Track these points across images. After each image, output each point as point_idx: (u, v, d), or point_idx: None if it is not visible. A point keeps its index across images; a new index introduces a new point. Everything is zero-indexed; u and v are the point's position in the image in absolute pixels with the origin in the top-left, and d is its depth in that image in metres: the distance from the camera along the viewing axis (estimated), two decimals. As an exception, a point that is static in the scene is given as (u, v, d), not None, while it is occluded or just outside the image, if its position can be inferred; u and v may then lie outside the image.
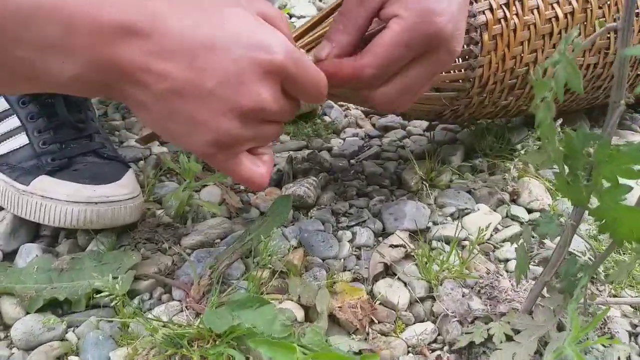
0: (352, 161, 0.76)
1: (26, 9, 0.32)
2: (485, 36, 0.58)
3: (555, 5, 0.61)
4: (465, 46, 0.58)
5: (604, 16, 0.64)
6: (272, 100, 0.38)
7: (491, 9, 0.58)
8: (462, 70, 0.60)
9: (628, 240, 0.36)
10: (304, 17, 1.41)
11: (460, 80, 0.60)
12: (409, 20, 0.42)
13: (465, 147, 0.78)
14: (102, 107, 0.90)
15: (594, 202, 0.36)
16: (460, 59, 0.59)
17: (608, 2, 0.64)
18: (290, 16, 1.39)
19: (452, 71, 0.60)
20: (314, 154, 0.75)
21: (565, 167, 0.36)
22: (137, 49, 0.34)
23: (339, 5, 0.50)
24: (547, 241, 0.59)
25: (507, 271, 0.56)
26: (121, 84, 0.36)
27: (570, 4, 0.61)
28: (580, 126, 0.35)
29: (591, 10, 0.63)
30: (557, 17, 0.61)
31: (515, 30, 0.59)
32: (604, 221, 0.36)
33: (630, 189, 0.33)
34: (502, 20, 0.58)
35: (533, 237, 0.56)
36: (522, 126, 0.81)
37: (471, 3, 0.57)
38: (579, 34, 0.64)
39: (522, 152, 0.71)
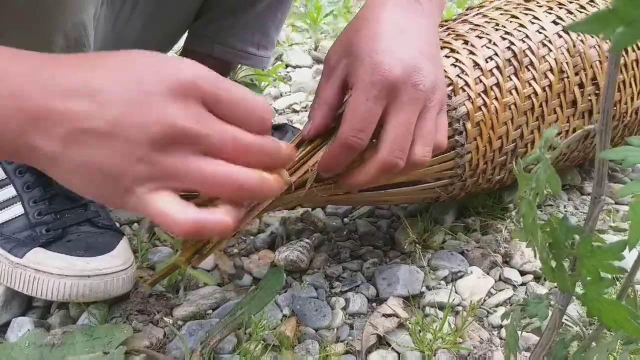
0: (346, 219, 0.77)
1: None
2: (469, 125, 0.59)
3: (532, 82, 0.62)
4: (450, 137, 0.59)
5: (581, 81, 0.66)
6: (189, 120, 0.33)
7: (470, 99, 0.60)
8: (452, 160, 0.61)
9: (614, 329, 0.36)
10: (299, 67, 1.44)
11: (451, 170, 0.61)
12: (364, 80, 0.46)
13: (458, 204, 0.78)
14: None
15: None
16: (448, 150, 0.60)
17: (584, 68, 0.66)
18: (287, 66, 1.42)
19: (440, 163, 0.60)
20: (307, 213, 0.76)
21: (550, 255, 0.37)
22: (39, 91, 0.33)
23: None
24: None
25: (500, 338, 0.56)
26: (25, 135, 0.33)
27: (546, 77, 0.63)
28: (564, 217, 0.36)
29: (568, 79, 0.65)
30: (535, 93, 0.63)
31: (497, 113, 0.61)
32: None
33: (612, 283, 0.34)
34: (483, 107, 0.60)
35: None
36: (514, 184, 0.82)
37: (449, 97, 0.59)
38: (557, 120, 0.66)
39: (514, 212, 0.71)
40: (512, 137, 0.63)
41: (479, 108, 0.60)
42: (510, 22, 0.66)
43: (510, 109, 0.61)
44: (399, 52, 0.47)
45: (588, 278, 0.35)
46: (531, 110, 0.62)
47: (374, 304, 0.60)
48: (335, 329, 0.56)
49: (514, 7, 0.69)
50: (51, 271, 0.55)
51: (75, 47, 0.54)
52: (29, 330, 0.54)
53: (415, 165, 0.49)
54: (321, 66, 1.47)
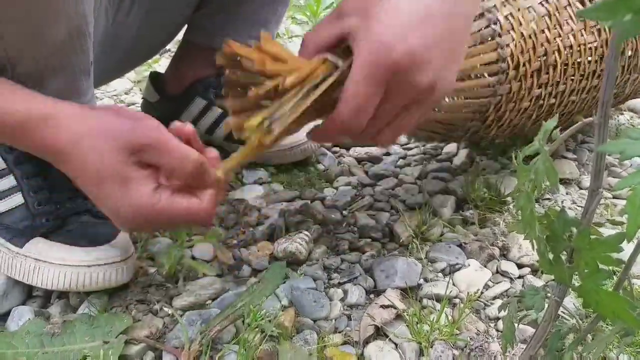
0: (345, 212, 0.77)
1: None
2: (501, 17, 0.63)
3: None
4: (485, 27, 0.63)
5: None
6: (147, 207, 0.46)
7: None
8: (494, 50, 0.63)
9: (612, 321, 0.36)
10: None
11: (495, 63, 0.64)
12: (367, 58, 0.43)
13: (457, 197, 0.79)
14: (98, 155, 0.91)
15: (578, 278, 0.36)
16: (487, 38, 0.63)
17: None
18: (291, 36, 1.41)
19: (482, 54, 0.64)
20: (306, 205, 0.76)
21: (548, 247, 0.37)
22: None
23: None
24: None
25: (497, 330, 0.57)
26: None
27: None
28: (562, 210, 0.36)
29: None
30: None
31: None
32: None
33: (610, 275, 0.34)
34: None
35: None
36: (512, 177, 0.82)
37: None
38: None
39: (512, 205, 0.72)
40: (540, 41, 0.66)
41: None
42: None
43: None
44: (413, 38, 0.43)
45: (585, 270, 0.35)
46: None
47: (371, 296, 0.60)
48: (333, 320, 0.57)
49: None
50: (51, 261, 0.55)
51: (77, 37, 0.54)
52: (29, 319, 0.54)
53: (380, 143, 0.51)
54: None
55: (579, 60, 0.70)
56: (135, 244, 0.64)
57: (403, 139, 1.02)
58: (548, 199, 0.80)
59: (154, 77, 0.95)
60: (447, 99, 0.68)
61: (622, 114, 1.17)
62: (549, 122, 0.36)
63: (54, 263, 0.55)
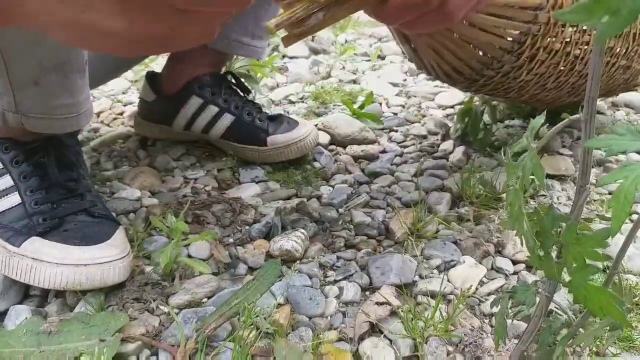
0: (341, 210, 0.77)
1: None
2: None
3: None
4: None
5: None
6: None
7: None
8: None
9: (599, 316, 0.37)
10: (296, 57, 1.44)
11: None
12: None
13: (452, 194, 0.79)
14: (95, 155, 0.92)
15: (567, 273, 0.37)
16: None
17: None
18: (283, 56, 1.42)
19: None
20: (302, 203, 0.76)
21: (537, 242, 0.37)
22: None
23: None
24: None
25: (491, 326, 0.57)
26: None
27: None
28: (551, 206, 0.36)
29: None
30: None
31: None
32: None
33: (597, 270, 0.34)
34: None
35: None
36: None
37: None
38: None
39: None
40: None
41: None
42: None
43: None
44: None
45: (574, 265, 0.35)
46: None
47: (367, 293, 0.61)
48: (329, 317, 0.57)
49: None
50: (48, 260, 0.56)
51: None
52: (26, 318, 0.55)
53: (447, 16, 0.43)
54: (318, 57, 1.47)
55: None
56: (131, 243, 0.64)
57: (399, 136, 1.02)
58: (544, 195, 0.80)
59: (151, 76, 0.95)
60: (489, 17, 0.67)
61: (618, 109, 1.17)
62: (537, 120, 0.36)
63: (51, 262, 0.55)
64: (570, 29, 0.71)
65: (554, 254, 0.38)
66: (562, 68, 0.75)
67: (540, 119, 0.37)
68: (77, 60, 0.60)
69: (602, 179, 0.31)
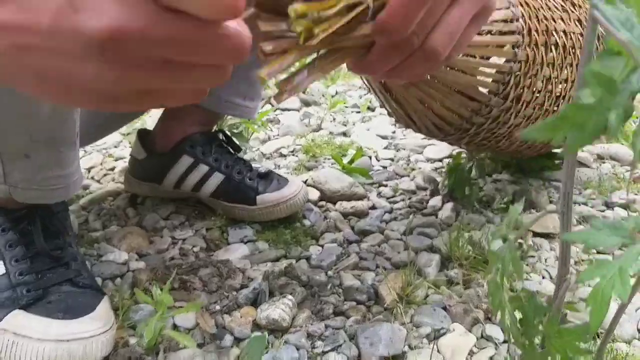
0: (330, 272, 0.77)
1: None
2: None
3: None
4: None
5: None
6: (131, 17, 0.27)
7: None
8: (512, 33, 0.69)
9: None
10: (288, 109, 1.47)
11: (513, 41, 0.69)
12: None
13: (442, 255, 0.79)
14: (83, 214, 0.92)
15: None
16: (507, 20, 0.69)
17: None
18: (275, 109, 1.44)
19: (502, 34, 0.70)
20: (291, 267, 0.76)
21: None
22: None
23: None
24: None
25: (482, 400, 0.56)
26: None
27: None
28: (532, 295, 0.36)
29: None
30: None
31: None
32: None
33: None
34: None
35: None
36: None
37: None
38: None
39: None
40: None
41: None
42: None
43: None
44: None
45: (557, 356, 0.35)
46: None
47: (355, 364, 0.60)
48: (316, 392, 0.56)
49: None
50: (30, 335, 0.55)
51: (62, 110, 0.55)
52: (4, 396, 0.53)
53: (431, 56, 0.40)
54: (309, 109, 1.50)
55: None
56: (116, 312, 0.63)
57: (389, 191, 1.03)
58: (532, 256, 0.81)
59: (142, 134, 0.96)
60: (468, 57, 0.70)
61: (604, 162, 1.19)
62: (515, 207, 0.37)
63: (32, 337, 0.54)
64: (547, 68, 0.75)
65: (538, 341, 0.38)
66: (547, 108, 0.77)
67: (519, 205, 0.38)
68: (68, 134, 0.60)
69: (581, 275, 0.31)
